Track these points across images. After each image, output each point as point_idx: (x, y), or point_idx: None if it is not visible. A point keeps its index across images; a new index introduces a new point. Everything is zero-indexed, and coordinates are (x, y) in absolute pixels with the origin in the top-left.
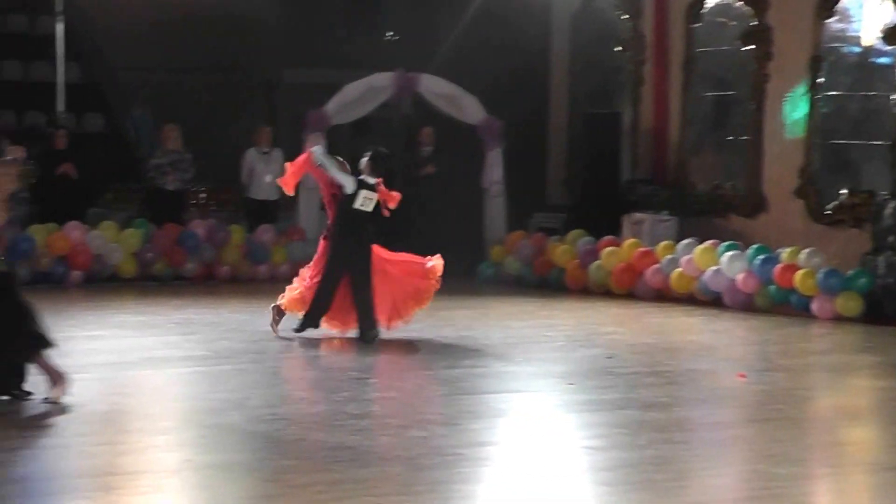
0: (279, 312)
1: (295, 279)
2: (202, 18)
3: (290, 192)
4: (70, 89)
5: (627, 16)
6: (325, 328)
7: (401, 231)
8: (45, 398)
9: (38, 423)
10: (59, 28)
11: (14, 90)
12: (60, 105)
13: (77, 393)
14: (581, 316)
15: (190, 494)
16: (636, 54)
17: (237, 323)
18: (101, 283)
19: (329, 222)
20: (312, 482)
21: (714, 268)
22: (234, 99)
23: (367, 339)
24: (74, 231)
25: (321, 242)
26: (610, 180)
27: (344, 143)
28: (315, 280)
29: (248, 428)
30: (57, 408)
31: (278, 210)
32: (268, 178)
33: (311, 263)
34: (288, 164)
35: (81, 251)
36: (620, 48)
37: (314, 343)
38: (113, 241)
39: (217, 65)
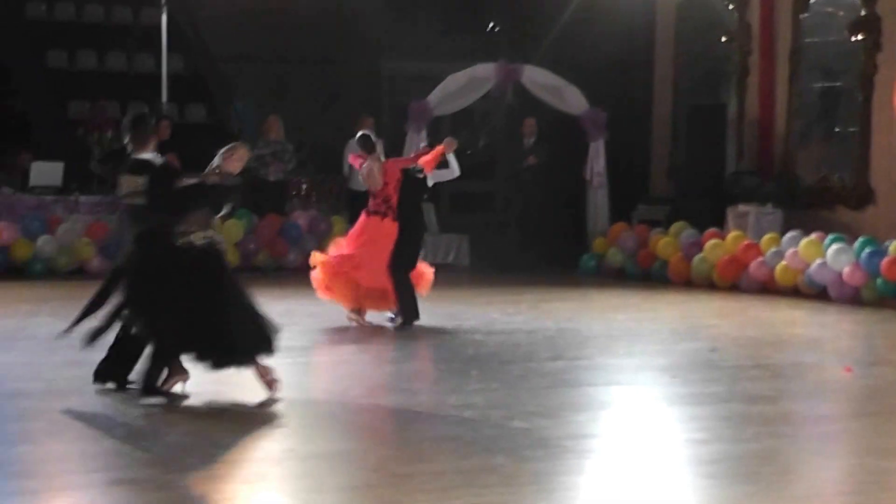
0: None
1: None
2: (304, 10)
3: (429, 172)
4: (173, 80)
5: (734, 6)
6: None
7: (503, 222)
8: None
9: (142, 413)
10: (163, 20)
11: (119, 81)
12: (164, 96)
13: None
14: (684, 309)
15: (293, 483)
16: (742, 45)
17: (338, 313)
18: None
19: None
20: (415, 472)
21: (819, 261)
22: (336, 90)
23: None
24: None
25: (362, 218)
26: (714, 172)
27: (446, 134)
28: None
29: (350, 418)
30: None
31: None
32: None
33: (352, 237)
34: (425, 155)
35: None
36: (726, 38)
37: (415, 334)
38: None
39: (319, 56)
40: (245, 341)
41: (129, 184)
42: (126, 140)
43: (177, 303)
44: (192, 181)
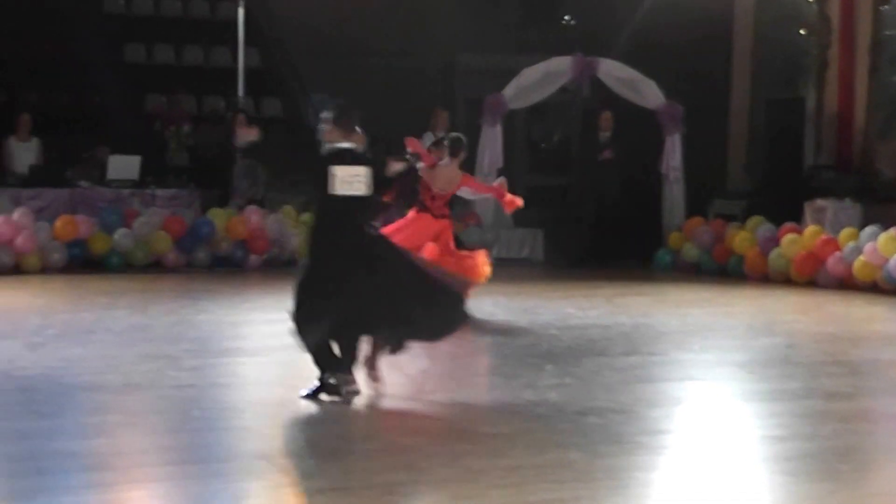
0: None
1: None
2: (379, 3)
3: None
4: (249, 74)
5: None
6: None
7: (578, 217)
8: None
9: (218, 406)
10: (240, 14)
11: (195, 75)
12: (240, 90)
13: (255, 376)
14: (761, 304)
15: (369, 478)
16: (822, 38)
17: None
18: (279, 268)
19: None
20: (490, 467)
21: None
22: (411, 83)
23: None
24: (253, 216)
25: (413, 214)
26: (792, 166)
27: (520, 128)
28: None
29: (424, 412)
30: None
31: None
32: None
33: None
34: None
35: (260, 235)
36: (805, 31)
37: (489, 329)
38: (291, 225)
39: (394, 49)
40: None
41: (349, 173)
42: (328, 130)
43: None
44: (399, 168)
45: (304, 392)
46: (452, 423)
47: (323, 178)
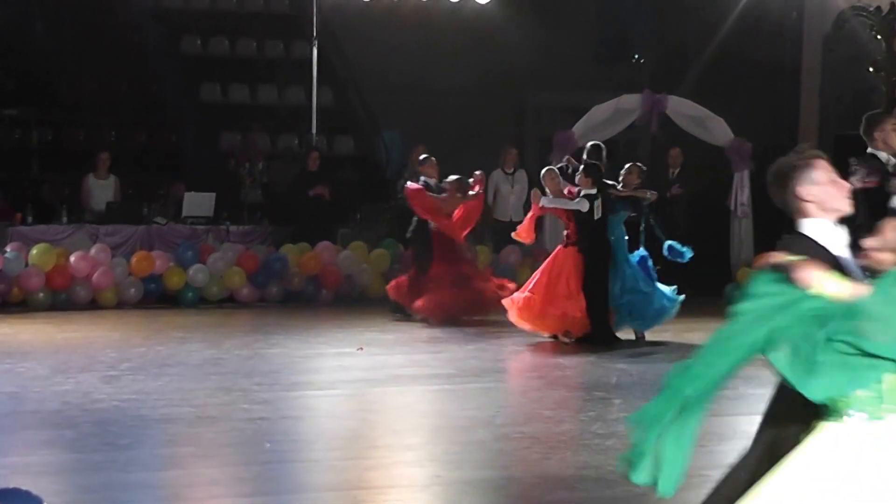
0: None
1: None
2: (450, 42)
3: (529, 241)
4: (322, 112)
5: (881, 36)
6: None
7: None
8: None
9: (289, 438)
10: (314, 53)
11: (269, 114)
12: (313, 128)
13: (325, 409)
14: None
15: None
16: (890, 74)
17: (484, 341)
18: (350, 303)
19: (569, 234)
20: (558, 501)
21: None
22: (482, 121)
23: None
24: (325, 251)
25: (559, 250)
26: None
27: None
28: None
29: (495, 446)
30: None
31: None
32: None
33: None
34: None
35: (332, 271)
36: (873, 69)
37: (558, 363)
38: (362, 261)
39: (465, 87)
40: None
41: None
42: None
43: None
44: None
45: None
46: (521, 456)
47: None
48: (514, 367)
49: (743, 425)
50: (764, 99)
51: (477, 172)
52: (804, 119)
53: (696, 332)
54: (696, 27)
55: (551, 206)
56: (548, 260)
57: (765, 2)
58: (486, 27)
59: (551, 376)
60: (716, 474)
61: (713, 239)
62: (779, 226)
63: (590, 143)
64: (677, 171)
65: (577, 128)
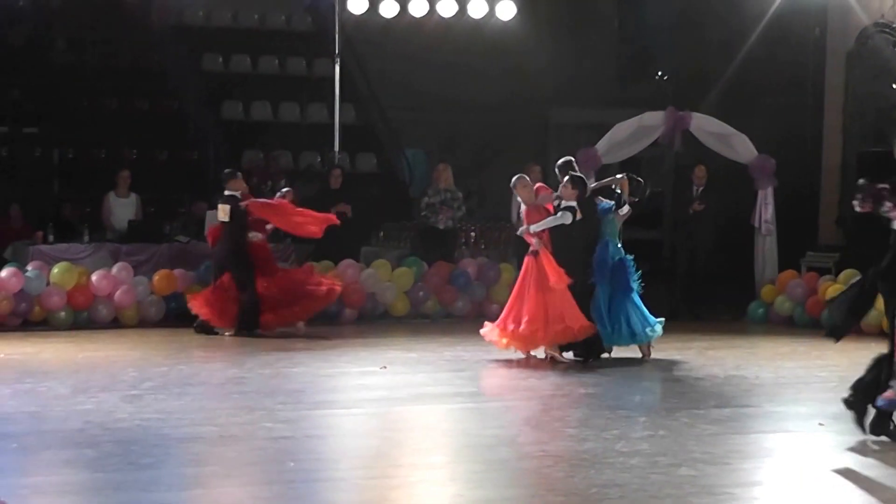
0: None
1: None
2: (473, 59)
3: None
4: (344, 130)
5: None
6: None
7: (670, 269)
8: None
9: (313, 457)
10: (336, 71)
11: (292, 131)
12: (336, 145)
13: (349, 428)
14: (855, 357)
15: None
16: None
17: (507, 360)
18: (374, 321)
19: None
20: None
21: None
22: (505, 137)
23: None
24: (349, 269)
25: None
26: (885, 219)
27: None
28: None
29: (518, 464)
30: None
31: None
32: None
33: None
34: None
35: (355, 289)
36: None
37: (581, 381)
38: (386, 279)
39: (488, 104)
40: None
41: None
42: None
43: None
44: None
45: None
46: (545, 474)
47: None
48: (537, 385)
49: (767, 442)
50: (787, 116)
51: None
52: (827, 136)
53: (720, 350)
54: (719, 45)
55: (540, 229)
56: (520, 276)
57: (787, 19)
58: (509, 44)
59: (574, 394)
60: (739, 491)
61: (737, 256)
62: (802, 243)
63: (562, 159)
64: (702, 188)
65: (600, 145)
